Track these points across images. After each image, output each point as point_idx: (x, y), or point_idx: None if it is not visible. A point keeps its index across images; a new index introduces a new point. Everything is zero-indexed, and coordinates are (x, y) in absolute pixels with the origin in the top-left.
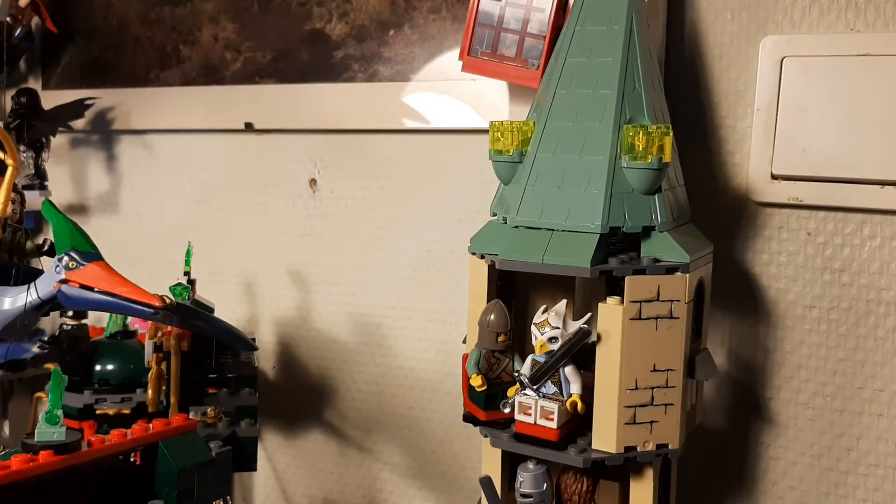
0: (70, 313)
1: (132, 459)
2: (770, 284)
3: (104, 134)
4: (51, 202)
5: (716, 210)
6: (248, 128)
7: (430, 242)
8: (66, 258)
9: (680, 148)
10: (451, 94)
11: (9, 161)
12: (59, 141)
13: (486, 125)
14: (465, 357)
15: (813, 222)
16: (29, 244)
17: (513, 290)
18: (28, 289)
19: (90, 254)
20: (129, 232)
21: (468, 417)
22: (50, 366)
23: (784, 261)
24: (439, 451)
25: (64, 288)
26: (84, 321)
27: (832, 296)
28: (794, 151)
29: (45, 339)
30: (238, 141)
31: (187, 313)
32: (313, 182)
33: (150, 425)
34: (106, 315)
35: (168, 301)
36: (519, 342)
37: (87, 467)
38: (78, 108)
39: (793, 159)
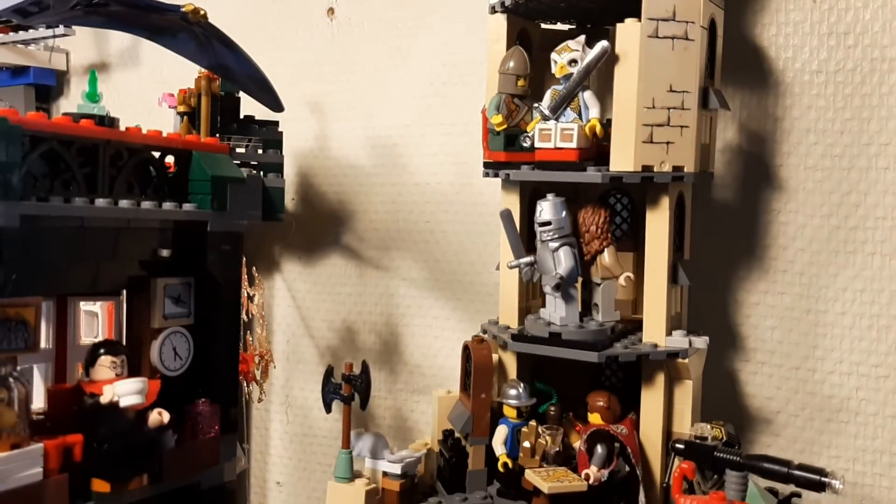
0: None
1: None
2: (778, 55)
3: None
4: None
5: None
6: None
7: (446, 56)
8: None
9: None
10: None
11: None
12: None
13: None
14: (483, 111)
15: None
16: None
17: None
18: None
19: None
20: (150, 83)
21: (489, 165)
22: None
23: (791, 31)
24: (455, 261)
25: None
26: None
27: (837, 59)
28: None
29: None
30: None
31: (220, 37)
32: (331, 11)
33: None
34: None
35: (202, 12)
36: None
37: (126, 153)
38: None
39: None
